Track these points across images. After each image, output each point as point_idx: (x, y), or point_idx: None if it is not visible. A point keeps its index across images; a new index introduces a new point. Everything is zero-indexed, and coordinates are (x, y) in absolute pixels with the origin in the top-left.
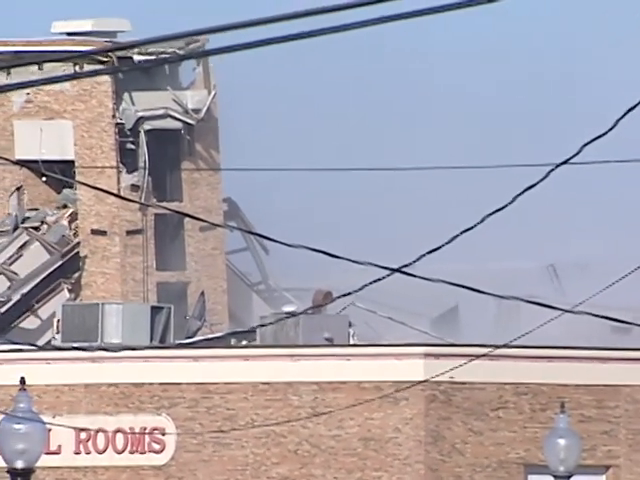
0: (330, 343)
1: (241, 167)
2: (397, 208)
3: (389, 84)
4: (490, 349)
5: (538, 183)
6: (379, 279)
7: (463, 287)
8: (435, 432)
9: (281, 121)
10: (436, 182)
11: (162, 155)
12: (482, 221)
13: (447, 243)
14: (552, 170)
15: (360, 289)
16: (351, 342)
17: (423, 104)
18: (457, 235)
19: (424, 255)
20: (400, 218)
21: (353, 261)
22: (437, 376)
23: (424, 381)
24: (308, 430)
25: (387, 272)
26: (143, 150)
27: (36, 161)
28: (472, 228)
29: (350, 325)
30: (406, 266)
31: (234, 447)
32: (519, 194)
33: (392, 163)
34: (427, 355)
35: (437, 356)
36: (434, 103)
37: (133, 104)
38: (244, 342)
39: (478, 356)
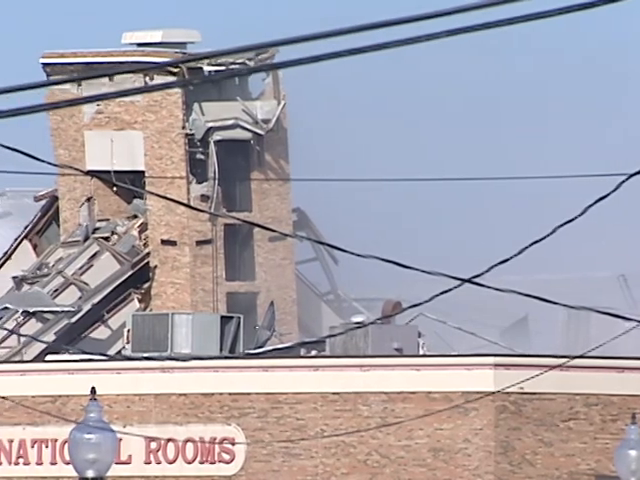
0: (399, 353)
1: (310, 177)
2: (467, 218)
3: (458, 94)
4: (564, 360)
5: (610, 194)
6: (450, 289)
7: (533, 297)
8: (505, 443)
9: (350, 131)
10: (506, 192)
11: (232, 165)
12: (553, 232)
13: (518, 254)
14: (623, 181)
15: (431, 299)
16: (420, 352)
17: (495, 114)
18: (527, 246)
19: (495, 266)
20: (471, 229)
21: (423, 271)
22: (510, 387)
23: (495, 392)
24: (377, 440)
25: (457, 282)
26: (213, 160)
27: (107, 172)
28: (543, 239)
29: (419, 335)
30: (477, 276)
31: (304, 457)
32: (590, 205)
33: (463, 173)
34: (497, 365)
35: (507, 366)
36: (506, 113)
37: (203, 115)
38: (313, 352)
39: (553, 367)
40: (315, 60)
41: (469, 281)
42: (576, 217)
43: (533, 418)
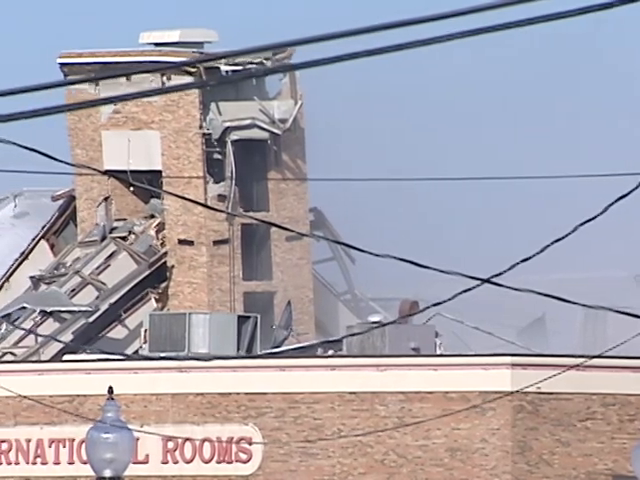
0: (417, 353)
1: (327, 177)
2: (484, 218)
3: (474, 93)
4: (581, 360)
5: (630, 193)
6: (470, 289)
7: (551, 297)
8: (522, 443)
9: (367, 131)
10: (523, 192)
11: (249, 165)
12: (574, 231)
13: (538, 253)
14: None
15: (451, 299)
16: (438, 352)
17: (509, 114)
18: (549, 245)
19: (516, 265)
20: (487, 228)
21: (441, 271)
22: (527, 387)
23: (513, 392)
24: (395, 440)
25: (476, 282)
26: (230, 160)
27: (124, 171)
28: (564, 238)
29: (437, 335)
30: (496, 276)
31: (321, 457)
32: (611, 204)
33: (481, 172)
34: (514, 365)
35: (524, 366)
36: (523, 112)
37: (220, 114)
38: (331, 352)
39: (570, 367)
40: (332, 61)
41: (488, 281)
42: (597, 216)
43: (550, 418)
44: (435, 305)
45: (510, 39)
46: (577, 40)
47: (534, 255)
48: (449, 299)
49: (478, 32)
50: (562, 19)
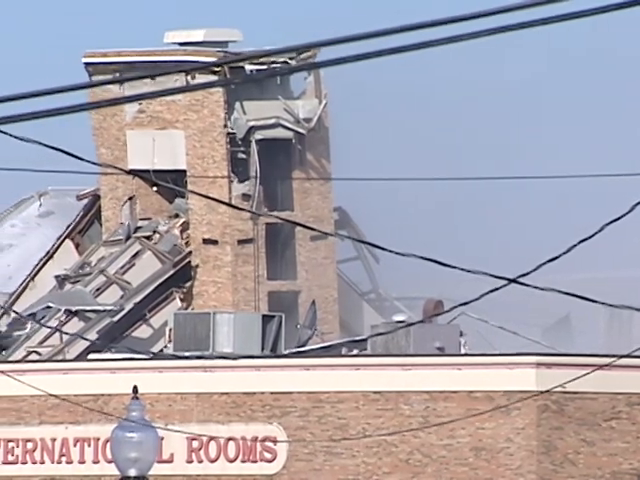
0: (441, 352)
1: (351, 176)
2: (511, 216)
3: (504, 90)
4: (607, 360)
5: None
6: (496, 288)
7: (575, 296)
8: (547, 442)
9: (391, 130)
10: (546, 191)
11: (273, 164)
12: (601, 230)
13: (565, 253)
14: None
15: (477, 299)
16: (462, 351)
17: (533, 112)
18: (576, 244)
19: (543, 264)
20: (512, 228)
21: (466, 270)
22: (552, 386)
23: (538, 392)
24: (419, 440)
25: (502, 282)
26: (254, 159)
27: (148, 171)
28: (590, 237)
29: (461, 334)
30: (522, 276)
31: (345, 456)
32: (638, 202)
33: (506, 172)
34: (539, 365)
35: (549, 365)
36: (547, 111)
37: (244, 114)
38: (355, 351)
39: (595, 366)
40: (356, 59)
41: (515, 281)
42: (624, 215)
43: (575, 417)
44: (461, 305)
45: (528, 38)
46: (598, 37)
47: (561, 255)
48: (476, 299)
49: (498, 31)
50: (578, 19)
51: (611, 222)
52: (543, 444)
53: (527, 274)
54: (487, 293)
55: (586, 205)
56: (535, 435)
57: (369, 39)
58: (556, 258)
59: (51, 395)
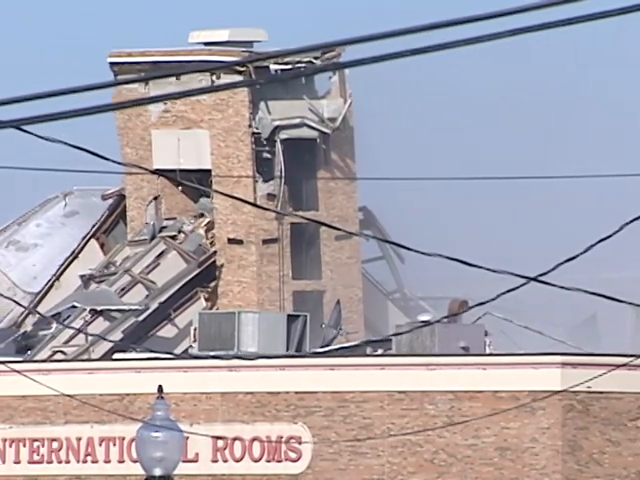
0: (466, 352)
1: (376, 176)
2: (534, 216)
3: (531, 91)
4: (632, 359)
5: None
6: (516, 287)
7: (600, 296)
8: (572, 442)
9: (416, 129)
10: (569, 191)
11: (298, 164)
12: (621, 229)
13: (585, 251)
14: None
15: (496, 297)
16: (487, 351)
17: (557, 111)
18: (595, 243)
19: (562, 264)
20: (536, 227)
21: (490, 270)
22: (577, 386)
23: (563, 391)
24: (444, 439)
25: (524, 281)
26: (279, 159)
27: (173, 170)
28: (610, 237)
29: (486, 334)
30: (544, 274)
31: (370, 456)
32: None
33: (529, 171)
34: (564, 364)
35: (574, 365)
36: (566, 110)
37: (269, 113)
38: (380, 351)
39: (619, 366)
40: (380, 59)
41: (535, 279)
42: None
43: (601, 417)
44: (481, 304)
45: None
46: (618, 37)
47: (580, 254)
48: (493, 298)
49: (520, 32)
50: (601, 19)
51: (631, 221)
52: (568, 444)
53: (547, 273)
54: (505, 292)
55: (607, 205)
56: (560, 435)
57: (393, 38)
58: (574, 257)
59: (70, 396)
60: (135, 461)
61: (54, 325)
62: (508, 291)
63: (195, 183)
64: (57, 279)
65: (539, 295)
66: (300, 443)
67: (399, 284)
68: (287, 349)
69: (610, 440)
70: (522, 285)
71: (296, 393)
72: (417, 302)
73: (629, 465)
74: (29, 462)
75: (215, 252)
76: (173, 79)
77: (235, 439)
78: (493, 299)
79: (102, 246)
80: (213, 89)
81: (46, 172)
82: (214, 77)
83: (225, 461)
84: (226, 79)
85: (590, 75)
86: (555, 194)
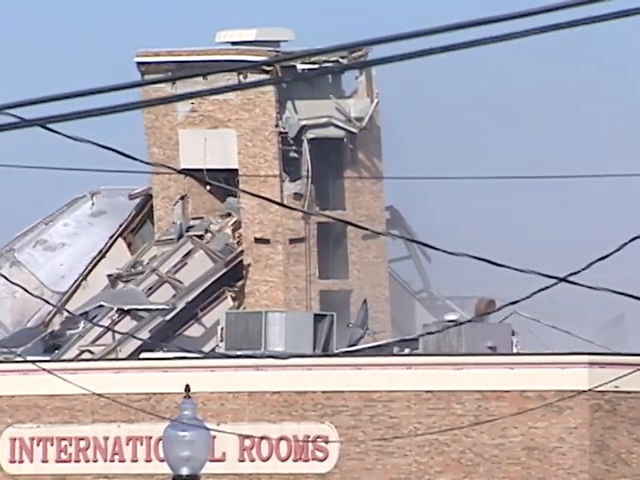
0: (493, 352)
1: (403, 175)
2: (560, 216)
3: (561, 90)
4: None
5: None
6: (546, 287)
7: (628, 295)
8: (600, 442)
9: (443, 129)
10: (597, 190)
11: (325, 163)
12: None
13: (616, 251)
14: None
15: (526, 298)
16: (514, 351)
17: (583, 111)
18: (627, 242)
19: (593, 263)
20: (564, 227)
21: (517, 270)
22: (604, 385)
23: (590, 391)
24: (471, 439)
25: (552, 281)
26: (306, 159)
27: (200, 170)
28: None
29: (513, 334)
30: (573, 274)
31: (397, 455)
32: None
33: (555, 171)
34: (592, 364)
35: (602, 365)
36: (596, 110)
37: (296, 113)
38: (407, 350)
39: None
40: (407, 58)
41: (565, 280)
42: None
43: (628, 417)
44: (511, 304)
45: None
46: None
47: (611, 253)
48: (525, 298)
49: (546, 30)
50: (627, 17)
51: None
52: (596, 443)
53: (577, 273)
54: (536, 292)
55: (634, 205)
56: (588, 434)
57: (420, 37)
58: (607, 257)
59: (98, 395)
60: (162, 460)
61: (82, 324)
62: (539, 290)
63: (222, 183)
64: (84, 279)
65: (567, 295)
66: (327, 442)
67: (426, 283)
68: (314, 349)
69: (638, 440)
70: (553, 285)
71: (323, 393)
72: (444, 302)
73: None
74: (57, 461)
75: (242, 251)
76: (200, 79)
77: (262, 438)
78: (524, 299)
79: (129, 245)
80: (238, 87)
81: (73, 172)
82: (241, 77)
83: (252, 460)
84: (253, 78)
85: (612, 75)
86: (582, 193)
